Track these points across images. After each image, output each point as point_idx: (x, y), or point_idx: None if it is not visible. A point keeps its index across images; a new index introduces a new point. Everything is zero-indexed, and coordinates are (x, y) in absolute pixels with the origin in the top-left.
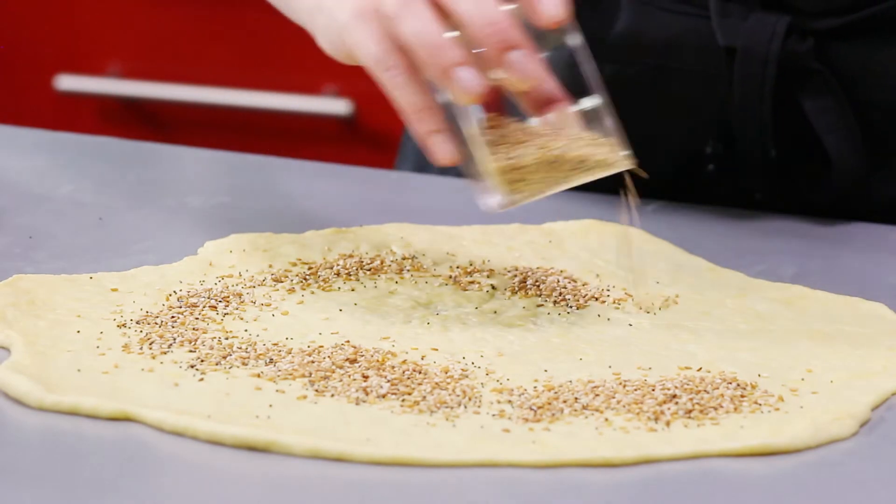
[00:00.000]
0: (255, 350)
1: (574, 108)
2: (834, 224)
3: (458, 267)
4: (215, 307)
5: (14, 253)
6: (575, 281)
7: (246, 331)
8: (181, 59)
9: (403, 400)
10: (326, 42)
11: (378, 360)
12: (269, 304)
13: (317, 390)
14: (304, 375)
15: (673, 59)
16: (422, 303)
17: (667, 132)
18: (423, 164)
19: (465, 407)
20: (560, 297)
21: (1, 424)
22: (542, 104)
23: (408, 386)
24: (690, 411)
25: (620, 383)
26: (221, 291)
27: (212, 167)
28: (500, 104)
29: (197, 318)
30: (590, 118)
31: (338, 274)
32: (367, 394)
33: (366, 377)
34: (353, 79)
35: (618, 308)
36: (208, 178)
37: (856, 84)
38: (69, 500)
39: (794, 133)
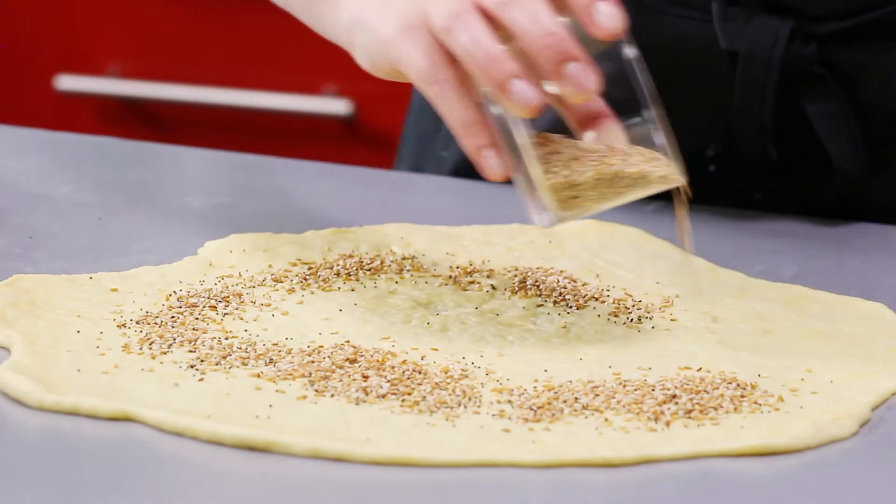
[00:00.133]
0: (255, 350)
1: (629, 123)
2: (834, 224)
3: (458, 267)
4: (215, 307)
5: (14, 253)
6: (575, 281)
7: (246, 331)
8: (181, 59)
9: (403, 400)
10: (366, 58)
11: (378, 360)
12: (269, 305)
13: (317, 390)
14: (303, 375)
15: (675, 62)
16: (422, 303)
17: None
18: (419, 165)
19: (465, 407)
20: (560, 297)
21: (1, 424)
22: (588, 119)
23: (408, 386)
24: (690, 411)
25: (620, 383)
26: (221, 291)
27: (212, 167)
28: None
29: (197, 319)
30: (638, 132)
31: (338, 274)
32: (367, 394)
33: (366, 377)
34: (353, 79)
35: (617, 308)
36: (208, 178)
37: (858, 88)
38: (69, 500)
39: (794, 136)
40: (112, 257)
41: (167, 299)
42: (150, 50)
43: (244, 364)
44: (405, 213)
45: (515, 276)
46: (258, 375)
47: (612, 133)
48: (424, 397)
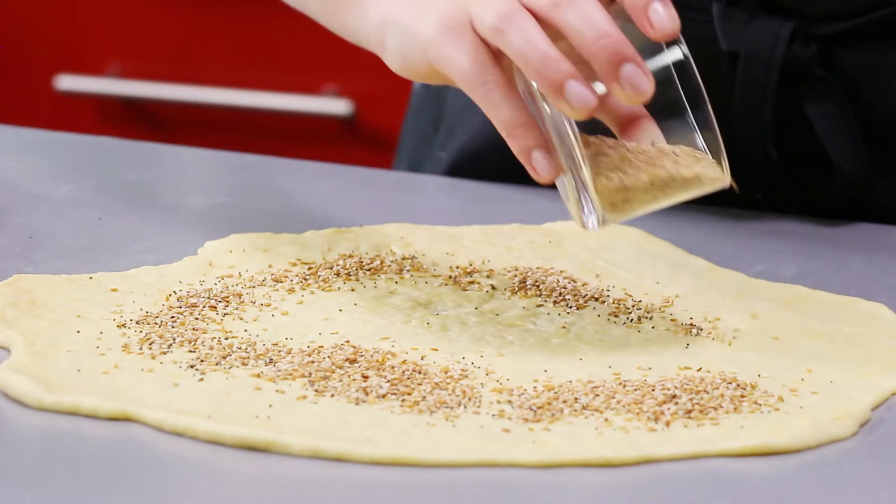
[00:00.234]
0: (255, 350)
1: (686, 125)
2: (834, 224)
3: (457, 267)
4: (215, 307)
5: (14, 253)
6: (575, 281)
7: (246, 331)
8: (181, 59)
9: (403, 400)
10: (399, 59)
11: (378, 361)
12: (268, 305)
13: (316, 390)
14: (303, 375)
15: None
16: (422, 303)
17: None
18: (417, 166)
19: (465, 407)
20: (560, 297)
21: (1, 424)
22: (627, 121)
23: (408, 386)
24: (690, 411)
25: (620, 383)
26: (221, 291)
27: (212, 167)
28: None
29: (197, 319)
30: (682, 133)
31: (337, 274)
32: (366, 394)
33: (366, 377)
34: (353, 79)
35: (617, 308)
36: (208, 178)
37: (859, 89)
38: (69, 500)
39: (795, 137)
40: (112, 257)
41: (167, 299)
42: (150, 50)
43: (244, 364)
44: (405, 213)
45: (515, 276)
46: (258, 375)
47: (653, 135)
48: (424, 397)
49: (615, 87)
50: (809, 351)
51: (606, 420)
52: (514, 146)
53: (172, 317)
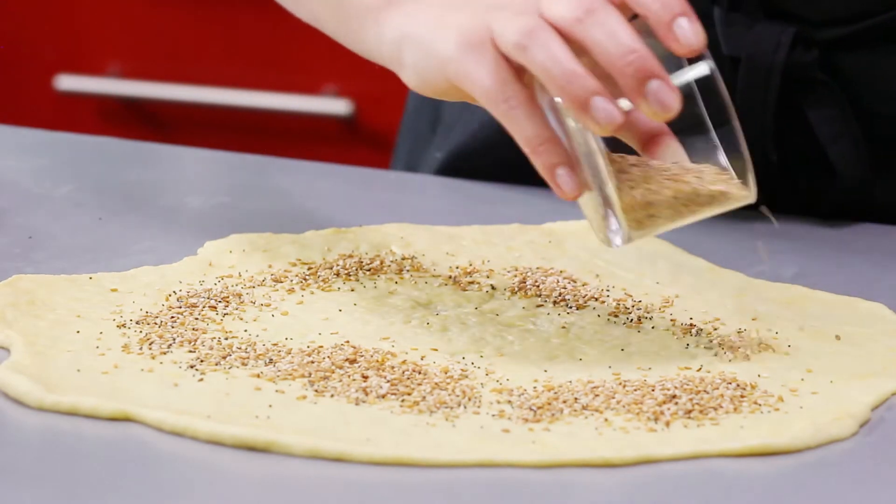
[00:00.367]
0: (255, 350)
1: (709, 141)
2: (834, 225)
3: (457, 267)
4: (215, 307)
5: (14, 253)
6: (575, 281)
7: (245, 331)
8: (181, 59)
9: (403, 400)
10: (417, 75)
11: (378, 361)
12: (268, 305)
13: (316, 390)
14: (303, 376)
15: None
16: (421, 303)
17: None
18: (413, 166)
19: (465, 407)
20: (560, 298)
21: (1, 424)
22: (649, 138)
23: (407, 386)
24: (690, 411)
25: (620, 383)
26: (221, 292)
27: (211, 167)
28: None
29: (196, 319)
30: (706, 149)
31: (337, 274)
32: (366, 394)
33: (365, 377)
34: (353, 79)
35: (617, 308)
36: (208, 178)
37: (860, 94)
38: (69, 500)
39: (796, 140)
40: (112, 257)
41: (167, 299)
42: (150, 50)
43: (244, 364)
44: (405, 213)
45: (515, 276)
46: (258, 375)
47: (675, 151)
48: (424, 397)
49: (641, 103)
50: (809, 351)
51: (606, 420)
52: (538, 163)
53: (172, 317)
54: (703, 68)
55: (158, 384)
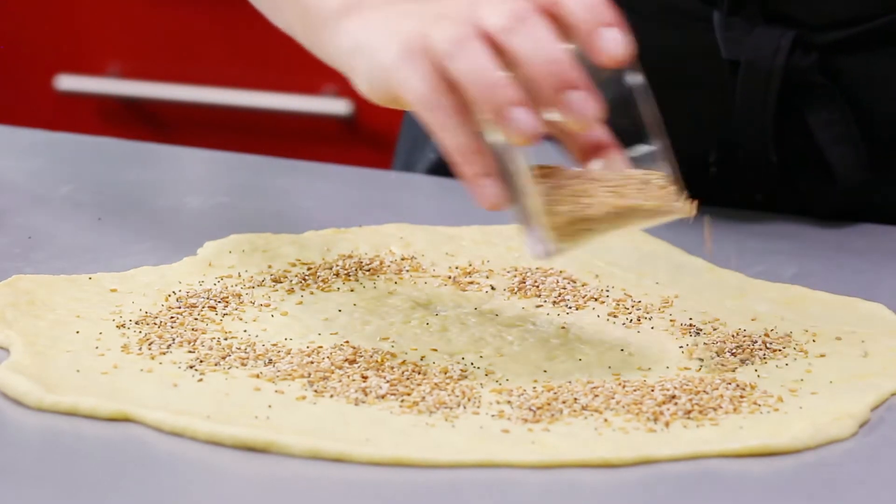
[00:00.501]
0: (255, 350)
1: (633, 154)
2: (834, 225)
3: (457, 267)
4: (214, 308)
5: (14, 253)
6: (574, 281)
7: (245, 331)
8: (181, 59)
9: (403, 400)
10: (366, 84)
11: (377, 361)
12: (268, 305)
13: (316, 391)
14: (303, 376)
15: (676, 70)
16: (421, 303)
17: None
18: (410, 165)
19: (465, 407)
20: (559, 298)
21: (1, 424)
22: (592, 149)
23: (407, 386)
24: (690, 412)
25: (620, 384)
26: (221, 292)
27: (211, 167)
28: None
29: (196, 319)
30: (641, 162)
31: (337, 274)
32: (366, 394)
33: (365, 378)
34: None
35: (617, 308)
36: (208, 179)
37: (859, 96)
38: (69, 500)
39: (796, 144)
40: (112, 257)
41: (166, 300)
42: (150, 50)
43: (243, 364)
44: (405, 213)
45: (515, 276)
46: (257, 376)
47: (616, 164)
48: (424, 398)
49: (562, 113)
50: (809, 351)
51: (606, 420)
52: (462, 172)
53: (172, 317)
54: (635, 79)
55: (158, 384)
